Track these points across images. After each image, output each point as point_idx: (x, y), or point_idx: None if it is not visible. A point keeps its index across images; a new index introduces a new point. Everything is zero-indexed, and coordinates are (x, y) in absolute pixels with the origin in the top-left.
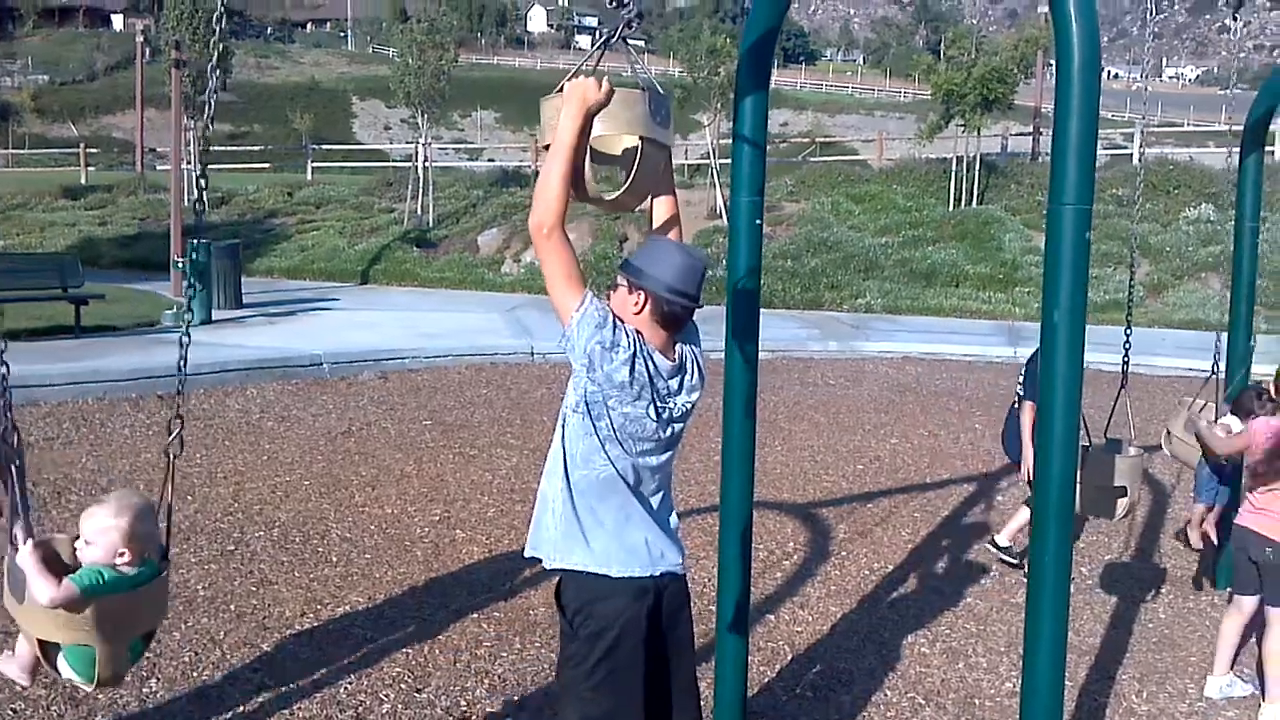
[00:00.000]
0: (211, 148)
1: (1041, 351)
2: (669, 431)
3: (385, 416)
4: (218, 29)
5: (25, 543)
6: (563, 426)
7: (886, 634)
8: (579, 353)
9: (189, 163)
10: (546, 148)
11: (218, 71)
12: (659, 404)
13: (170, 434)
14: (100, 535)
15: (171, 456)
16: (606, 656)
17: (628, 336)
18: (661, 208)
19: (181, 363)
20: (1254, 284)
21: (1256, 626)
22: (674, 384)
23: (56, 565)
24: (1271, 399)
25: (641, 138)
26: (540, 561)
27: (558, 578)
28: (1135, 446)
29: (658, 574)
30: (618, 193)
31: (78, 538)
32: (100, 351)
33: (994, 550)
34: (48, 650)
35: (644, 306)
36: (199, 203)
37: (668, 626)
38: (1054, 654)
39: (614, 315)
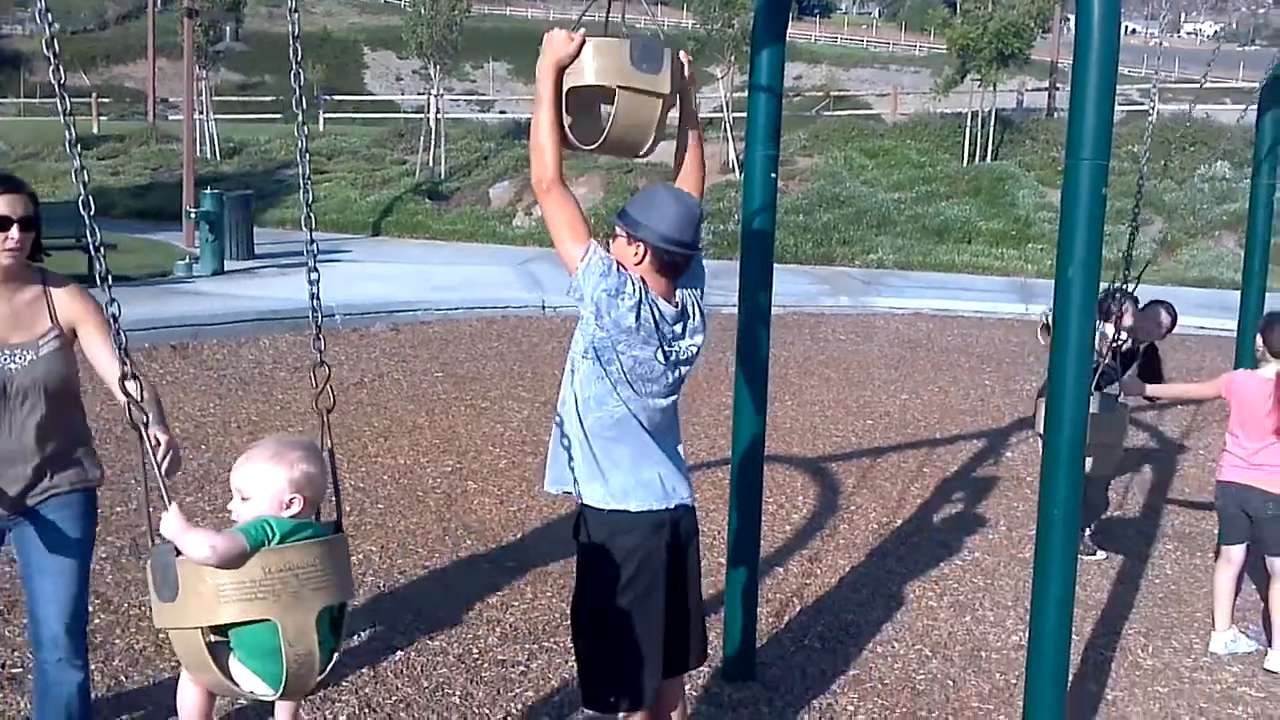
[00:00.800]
0: (223, 98)
1: (1055, 308)
2: (676, 374)
3: (397, 368)
4: None
5: (170, 506)
6: (573, 372)
7: (894, 587)
8: (587, 301)
9: (201, 112)
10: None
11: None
12: (665, 347)
13: (316, 386)
14: (262, 485)
15: (324, 411)
16: (627, 588)
17: (632, 284)
18: (681, 156)
19: (315, 301)
20: (1268, 242)
21: (1249, 577)
22: (678, 328)
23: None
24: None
25: (619, 86)
26: (558, 496)
27: (577, 513)
28: (1123, 400)
29: (672, 506)
30: (595, 144)
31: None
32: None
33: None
34: (218, 657)
35: (644, 257)
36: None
37: (681, 556)
38: (1061, 608)
39: (617, 263)
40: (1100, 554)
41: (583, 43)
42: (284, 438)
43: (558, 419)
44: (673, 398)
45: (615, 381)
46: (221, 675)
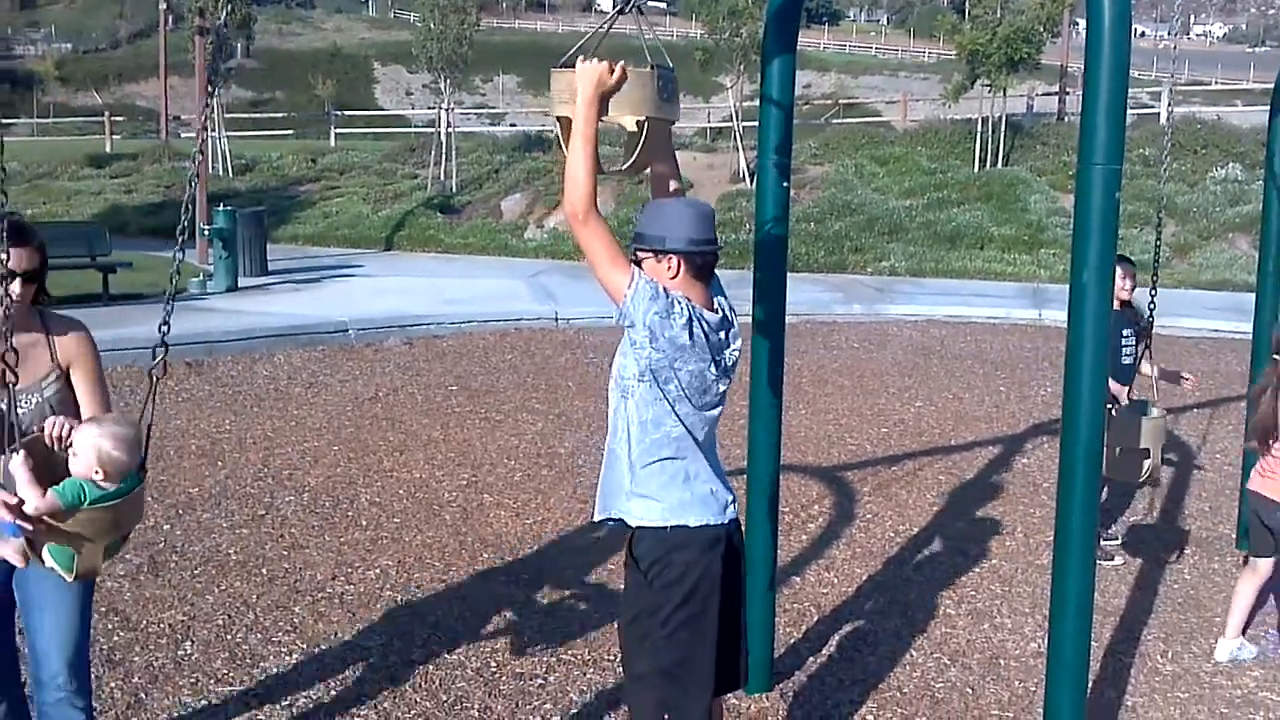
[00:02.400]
0: (234, 115)
1: (1070, 312)
2: (725, 383)
3: (411, 382)
4: None
5: (18, 452)
6: (625, 398)
7: (912, 595)
8: (639, 326)
9: (213, 130)
10: (559, 119)
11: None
12: (716, 357)
13: (154, 358)
14: (84, 451)
15: (154, 378)
16: (683, 604)
17: (679, 303)
18: (666, 177)
19: (170, 298)
20: None
21: (1273, 589)
22: (723, 335)
23: (44, 469)
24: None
25: (649, 117)
26: (600, 525)
27: (630, 534)
28: (1158, 408)
29: (726, 521)
30: (623, 166)
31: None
32: (128, 319)
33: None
34: (34, 542)
35: (679, 270)
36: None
37: (735, 570)
38: (1080, 614)
39: (662, 285)
40: (1118, 559)
41: (624, 74)
42: (114, 422)
43: (610, 450)
44: (721, 408)
45: (674, 400)
46: (34, 555)
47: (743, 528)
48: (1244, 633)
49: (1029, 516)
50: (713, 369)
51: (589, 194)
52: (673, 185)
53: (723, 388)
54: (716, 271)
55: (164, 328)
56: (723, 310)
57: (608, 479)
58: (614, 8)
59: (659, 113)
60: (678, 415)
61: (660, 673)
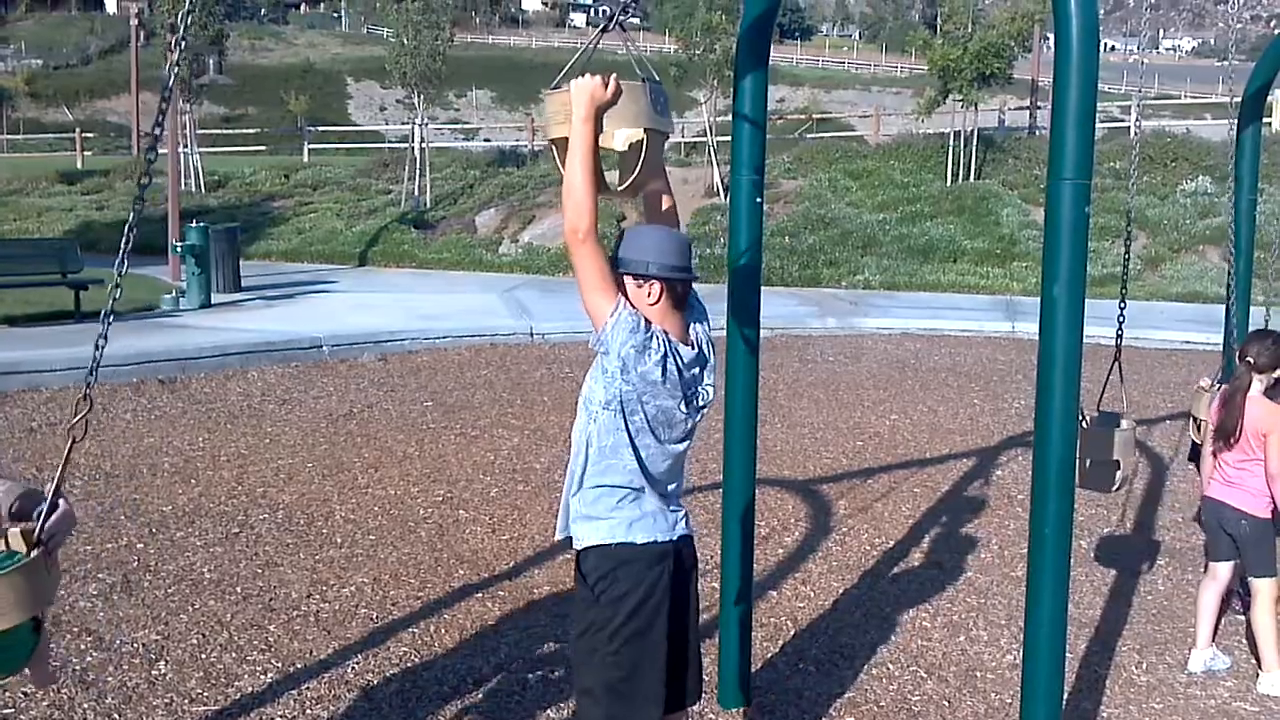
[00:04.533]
0: (206, 130)
1: (1041, 326)
2: (694, 420)
3: (386, 398)
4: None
5: None
6: (591, 420)
7: (888, 608)
8: (613, 356)
9: (185, 146)
10: (552, 141)
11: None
12: (687, 394)
13: (76, 414)
14: None
15: (73, 439)
16: (629, 620)
17: (657, 339)
18: (659, 194)
19: (101, 340)
20: (1252, 256)
21: (1232, 595)
22: (697, 372)
23: None
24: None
25: (646, 129)
26: (569, 541)
27: (576, 553)
28: (1128, 419)
29: (675, 537)
30: (625, 184)
31: None
32: None
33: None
34: None
35: (660, 296)
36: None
37: (684, 587)
38: (1054, 626)
39: (643, 318)
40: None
41: (619, 88)
42: (12, 488)
43: (571, 470)
44: (688, 442)
45: (637, 431)
46: None
47: (694, 543)
48: (1214, 641)
49: (1003, 529)
50: (682, 406)
51: (591, 212)
52: (665, 202)
53: (691, 425)
54: (695, 287)
55: (89, 380)
56: (699, 345)
57: (567, 498)
58: (589, 23)
59: (656, 125)
60: (635, 447)
61: (607, 689)
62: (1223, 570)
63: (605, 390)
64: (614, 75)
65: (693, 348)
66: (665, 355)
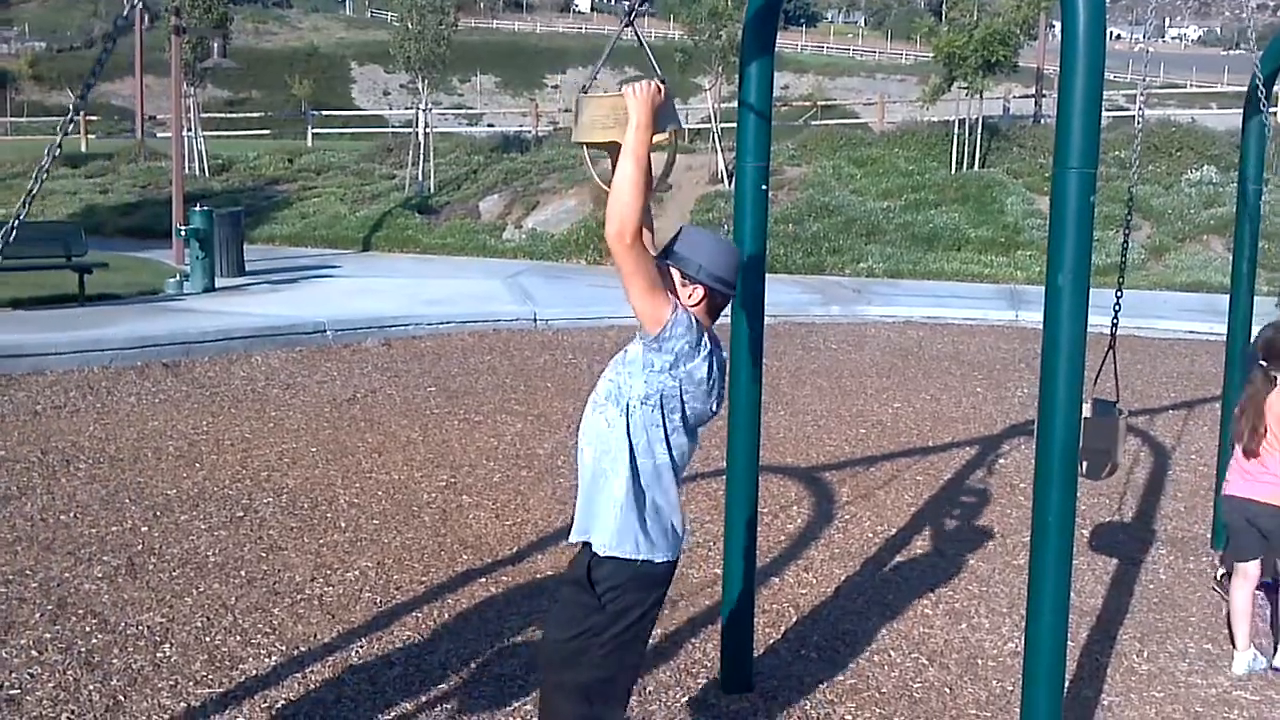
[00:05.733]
0: (210, 114)
1: (1045, 315)
2: (713, 416)
3: (390, 383)
4: None
5: None
6: (625, 416)
7: (890, 596)
8: (665, 352)
9: (189, 129)
10: (587, 145)
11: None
12: (720, 392)
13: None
14: None
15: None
16: (626, 630)
17: (705, 335)
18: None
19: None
20: (1256, 246)
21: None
22: (718, 374)
23: None
24: None
25: (672, 129)
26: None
27: (591, 555)
28: (1119, 408)
29: (679, 555)
30: (658, 179)
31: None
32: (104, 320)
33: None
34: None
35: (702, 300)
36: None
37: (662, 601)
38: (1056, 614)
39: (694, 316)
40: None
41: (666, 93)
42: None
43: (599, 470)
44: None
45: (673, 430)
46: None
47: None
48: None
49: (1005, 517)
50: (714, 405)
51: (638, 218)
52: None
53: (709, 422)
54: None
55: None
56: (719, 345)
57: (592, 498)
58: (593, 8)
59: (678, 124)
60: (670, 444)
61: (588, 688)
62: (1253, 569)
63: (647, 384)
64: (657, 80)
65: (722, 351)
66: (710, 353)
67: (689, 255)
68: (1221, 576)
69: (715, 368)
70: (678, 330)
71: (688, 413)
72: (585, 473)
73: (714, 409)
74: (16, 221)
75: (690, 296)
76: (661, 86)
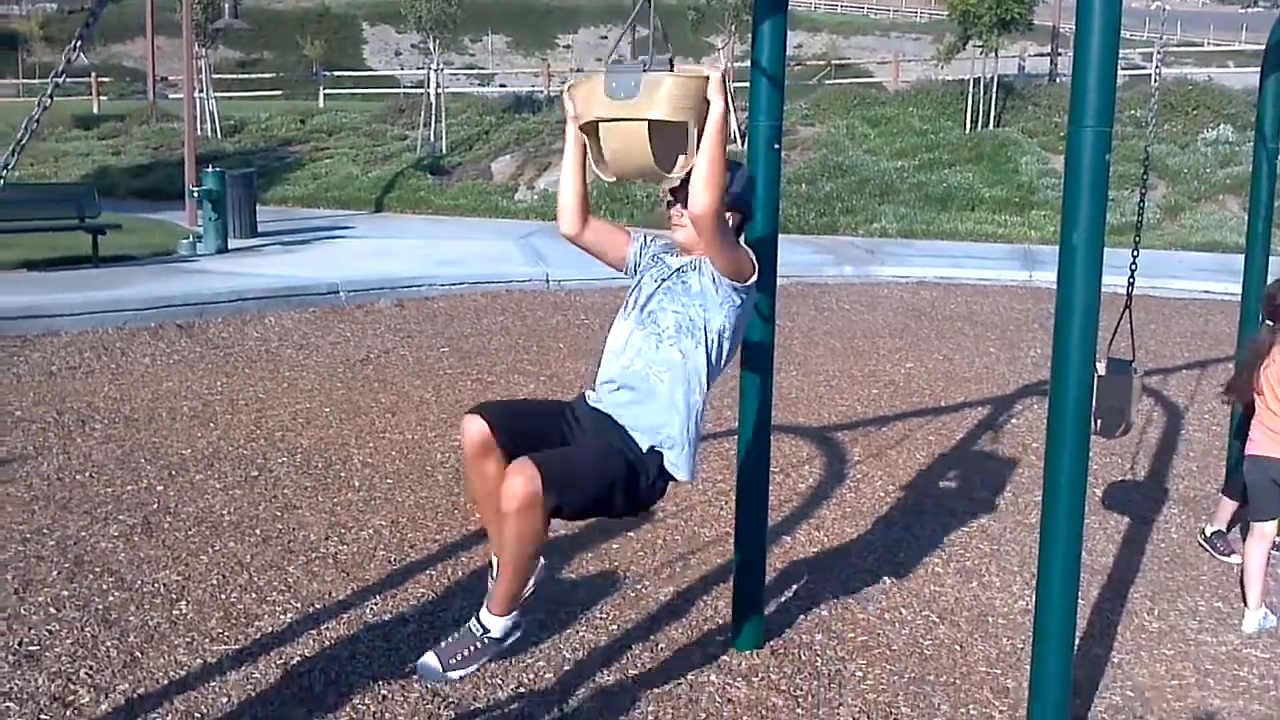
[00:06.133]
0: (222, 75)
1: (1059, 274)
2: None
3: (403, 344)
4: None
5: None
6: (699, 345)
7: (901, 554)
8: (753, 294)
9: (201, 91)
10: (650, 122)
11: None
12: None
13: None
14: None
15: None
16: (613, 486)
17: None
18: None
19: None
20: (1272, 206)
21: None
22: None
23: None
24: None
25: (598, 119)
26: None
27: (649, 448)
28: (1135, 367)
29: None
30: (686, 168)
31: None
32: (118, 281)
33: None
34: None
35: (741, 223)
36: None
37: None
38: (1067, 572)
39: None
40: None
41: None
42: None
43: (658, 391)
44: None
45: (728, 354)
46: None
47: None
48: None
49: (1018, 476)
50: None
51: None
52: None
53: None
54: None
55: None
56: None
57: (650, 411)
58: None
59: (611, 112)
60: (715, 371)
61: (578, 476)
62: (1270, 528)
63: (725, 318)
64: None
65: None
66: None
67: (747, 194)
68: (1213, 535)
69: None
70: (753, 280)
71: (737, 341)
72: (637, 382)
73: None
74: (5, 170)
75: (731, 220)
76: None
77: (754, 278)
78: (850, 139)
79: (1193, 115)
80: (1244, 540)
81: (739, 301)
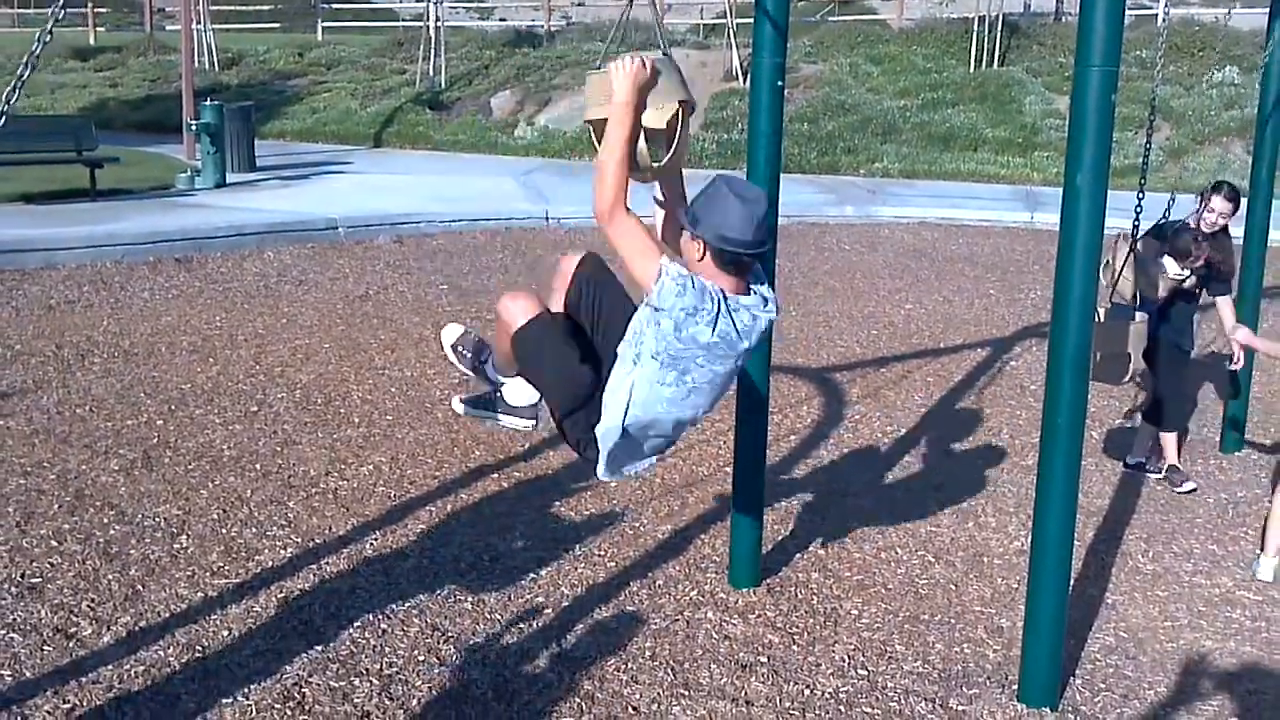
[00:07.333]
0: (219, 7)
1: (1062, 215)
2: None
3: (401, 280)
4: None
5: None
6: (636, 364)
7: (898, 494)
8: (665, 315)
9: (198, 23)
10: (590, 123)
11: None
12: (747, 347)
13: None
14: None
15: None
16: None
17: (710, 298)
18: (677, 166)
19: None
20: (1276, 149)
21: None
22: (747, 318)
23: None
24: (1206, 236)
25: (681, 101)
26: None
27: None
28: (1140, 312)
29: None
30: (666, 161)
31: None
32: (117, 215)
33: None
34: None
35: (704, 254)
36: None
37: None
38: (1063, 514)
39: (693, 277)
40: (1189, 484)
41: (656, 68)
42: None
43: (616, 363)
44: None
45: (691, 390)
46: None
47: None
48: None
49: (1015, 418)
50: (734, 365)
51: (617, 192)
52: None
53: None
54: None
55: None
56: (757, 294)
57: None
58: None
59: (686, 95)
60: (669, 405)
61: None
62: None
63: (656, 340)
64: (653, 57)
65: (749, 297)
66: (718, 314)
67: (696, 212)
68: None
69: (731, 327)
70: (666, 296)
71: (701, 377)
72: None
73: (733, 367)
74: (7, 106)
75: (696, 252)
76: (648, 62)
77: (654, 291)
78: (853, 77)
79: (1199, 57)
80: (1274, 488)
81: (658, 323)
